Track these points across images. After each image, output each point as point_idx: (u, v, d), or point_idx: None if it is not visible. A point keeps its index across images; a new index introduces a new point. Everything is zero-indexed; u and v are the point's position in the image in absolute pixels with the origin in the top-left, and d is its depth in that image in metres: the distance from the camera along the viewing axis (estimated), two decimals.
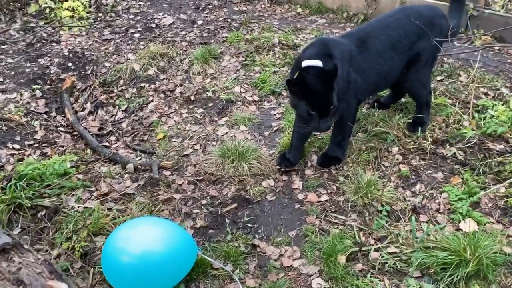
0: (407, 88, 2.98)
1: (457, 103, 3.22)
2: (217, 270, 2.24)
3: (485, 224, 2.36)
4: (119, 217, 2.54)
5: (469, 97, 3.25)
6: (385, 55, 2.71)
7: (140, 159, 3.12)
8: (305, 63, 2.39)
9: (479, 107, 3.15)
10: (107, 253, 2.04)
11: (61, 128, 3.50)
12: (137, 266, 1.98)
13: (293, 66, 2.70)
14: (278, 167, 2.85)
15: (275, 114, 3.41)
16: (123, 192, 2.78)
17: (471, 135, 2.88)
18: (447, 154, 2.83)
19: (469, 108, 3.13)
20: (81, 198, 2.72)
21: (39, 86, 3.84)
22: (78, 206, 2.64)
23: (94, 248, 2.39)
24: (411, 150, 2.89)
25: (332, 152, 2.83)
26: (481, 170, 2.67)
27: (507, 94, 3.30)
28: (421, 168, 2.78)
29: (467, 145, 2.85)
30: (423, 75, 2.91)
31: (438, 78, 3.57)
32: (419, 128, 2.95)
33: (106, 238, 2.39)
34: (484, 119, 3.02)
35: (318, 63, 2.37)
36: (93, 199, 2.73)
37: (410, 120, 3.05)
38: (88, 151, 3.25)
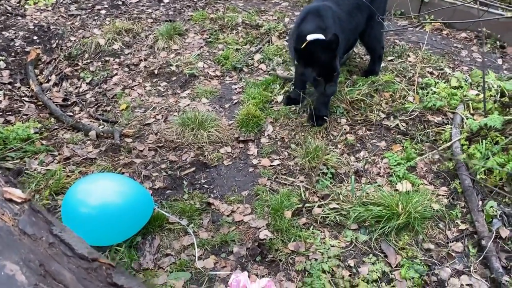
0: (365, 42, 3.45)
1: (404, 80, 3.46)
2: (172, 224, 2.40)
3: (418, 185, 2.60)
4: (80, 178, 2.65)
5: (415, 76, 3.51)
6: (353, 14, 3.10)
7: (103, 127, 3.23)
8: (310, 37, 2.69)
9: (423, 85, 3.40)
10: (67, 204, 2.17)
11: (26, 98, 3.56)
12: (96, 217, 2.12)
13: (294, 38, 2.91)
14: (286, 106, 3.25)
15: (235, 89, 3.57)
16: (85, 156, 2.90)
17: (413, 109, 3.13)
18: (391, 125, 3.07)
19: (414, 85, 3.38)
20: (44, 162, 2.82)
21: (3, 58, 3.87)
22: (41, 169, 2.75)
23: (56, 205, 2.51)
24: (359, 121, 3.12)
25: (319, 112, 3.06)
26: (419, 139, 2.92)
27: (449, 73, 3.57)
28: (367, 138, 3.01)
29: (410, 117, 3.10)
30: (378, 30, 3.34)
31: (389, 58, 3.81)
32: (372, 76, 3.42)
33: None
34: (426, 95, 3.28)
35: (320, 36, 2.70)
36: (55, 163, 2.84)
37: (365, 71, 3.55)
38: (52, 119, 3.34)
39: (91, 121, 3.35)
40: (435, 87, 3.35)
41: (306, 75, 2.83)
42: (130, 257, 2.20)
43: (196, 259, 2.22)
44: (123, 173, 2.77)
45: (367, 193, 2.54)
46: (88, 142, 3.07)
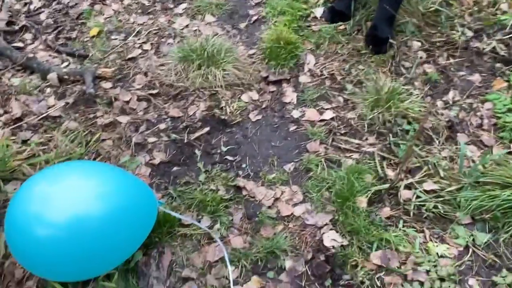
0: None
1: None
2: (188, 227, 1.58)
3: None
4: (39, 155, 1.76)
5: None
6: None
7: (68, 65, 2.25)
8: None
9: None
10: (14, 223, 1.30)
11: None
12: (66, 241, 1.27)
13: None
14: (330, 24, 2.28)
15: None
16: (45, 114, 1.97)
17: None
18: (483, 48, 2.15)
19: None
20: None
21: None
22: None
23: (6, 200, 1.65)
24: (437, 44, 2.18)
25: (382, 32, 2.13)
26: None
27: None
28: (452, 69, 2.09)
29: (510, 35, 2.16)
30: None
31: None
32: None
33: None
34: None
35: None
36: (0, 127, 1.91)
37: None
38: None
39: (50, 56, 2.34)
40: None
41: None
42: None
43: (231, 284, 1.43)
44: (103, 140, 1.87)
45: (473, 160, 1.71)
46: (48, 90, 2.11)
